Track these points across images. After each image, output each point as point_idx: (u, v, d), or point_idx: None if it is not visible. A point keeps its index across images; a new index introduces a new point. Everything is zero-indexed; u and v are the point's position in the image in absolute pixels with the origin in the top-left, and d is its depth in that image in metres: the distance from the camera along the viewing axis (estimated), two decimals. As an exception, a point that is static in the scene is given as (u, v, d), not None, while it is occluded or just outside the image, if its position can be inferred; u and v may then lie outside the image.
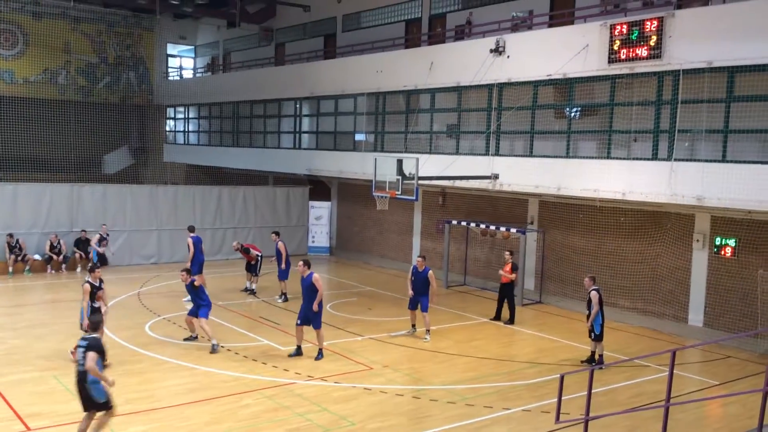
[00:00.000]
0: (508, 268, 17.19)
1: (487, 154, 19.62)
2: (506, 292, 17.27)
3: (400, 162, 17.76)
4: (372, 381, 12.31)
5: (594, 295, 13.52)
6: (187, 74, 39.51)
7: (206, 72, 38.16)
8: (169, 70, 39.31)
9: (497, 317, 17.40)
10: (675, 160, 15.25)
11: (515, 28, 20.36)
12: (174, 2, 30.56)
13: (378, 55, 24.01)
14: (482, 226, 20.56)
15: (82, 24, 34.89)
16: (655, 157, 15.78)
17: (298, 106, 28.05)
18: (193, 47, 39.32)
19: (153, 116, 37.89)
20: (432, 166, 19.42)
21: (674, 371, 8.14)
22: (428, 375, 12.81)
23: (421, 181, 17.91)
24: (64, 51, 34.59)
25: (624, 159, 16.62)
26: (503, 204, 21.16)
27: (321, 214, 27.54)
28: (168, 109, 37.96)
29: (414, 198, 18.33)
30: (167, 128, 38.36)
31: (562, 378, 9.57)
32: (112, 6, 33.84)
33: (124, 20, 36.11)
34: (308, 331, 13.77)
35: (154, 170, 36.69)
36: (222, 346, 13.91)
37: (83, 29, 35.11)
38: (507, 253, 17.61)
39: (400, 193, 17.72)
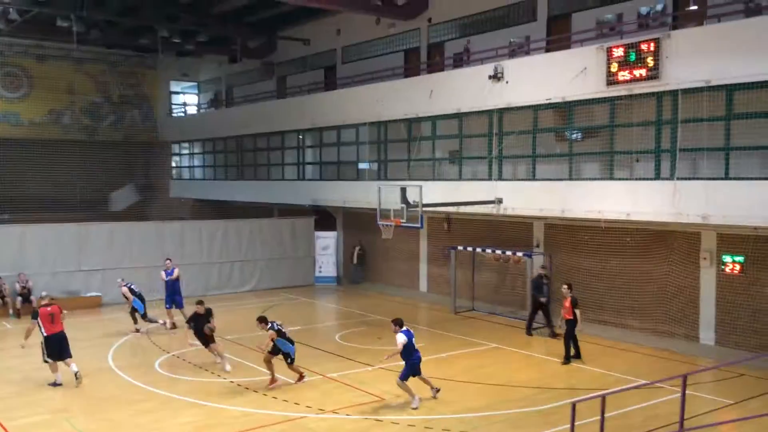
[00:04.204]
0: (567, 303, 15.79)
1: (490, 178, 19.70)
2: (570, 330, 15.68)
3: (403, 190, 17.82)
4: (383, 412, 12.24)
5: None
6: (191, 110, 39.91)
7: (210, 107, 38.55)
8: (173, 106, 39.72)
9: (574, 356, 15.69)
10: (678, 179, 15.29)
11: (513, 54, 20.57)
12: (175, 41, 30.97)
13: (378, 84, 24.25)
14: (488, 251, 20.53)
15: (85, 65, 35.38)
16: (658, 176, 15.83)
17: (300, 137, 28.27)
18: (196, 83, 39.76)
19: (158, 153, 38.22)
20: (436, 192, 19.50)
21: (687, 391, 8.10)
22: (439, 404, 12.72)
23: (425, 208, 17.94)
24: (68, 92, 35.04)
25: (627, 179, 16.67)
26: (508, 228, 21.18)
27: (327, 244, 27.58)
28: (173, 145, 38.31)
29: (419, 226, 18.36)
30: (173, 164, 38.68)
31: (573, 406, 9.52)
32: (115, 47, 34.29)
33: (127, 60, 36.60)
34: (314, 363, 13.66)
35: (160, 207, 36.86)
36: (232, 382, 13.88)
37: (87, 70, 35.60)
38: (565, 287, 16.13)
39: (404, 221, 17.77)
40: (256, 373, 14.60)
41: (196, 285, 23.77)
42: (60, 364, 13.77)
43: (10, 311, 20.99)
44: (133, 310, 18.45)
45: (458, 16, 23.71)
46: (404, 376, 12.58)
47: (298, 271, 26.83)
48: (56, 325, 13.73)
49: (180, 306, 19.20)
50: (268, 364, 13.65)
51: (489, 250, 20.55)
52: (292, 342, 13.85)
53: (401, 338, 12.63)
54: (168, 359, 16.08)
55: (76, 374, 13.71)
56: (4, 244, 21.70)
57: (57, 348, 13.70)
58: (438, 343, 17.41)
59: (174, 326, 18.87)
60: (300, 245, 27.17)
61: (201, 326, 14.80)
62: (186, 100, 40.42)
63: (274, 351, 13.58)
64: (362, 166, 25.10)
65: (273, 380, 13.61)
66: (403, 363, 12.70)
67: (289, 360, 13.75)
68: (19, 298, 21.15)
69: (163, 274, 19.48)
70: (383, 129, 23.74)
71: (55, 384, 13.70)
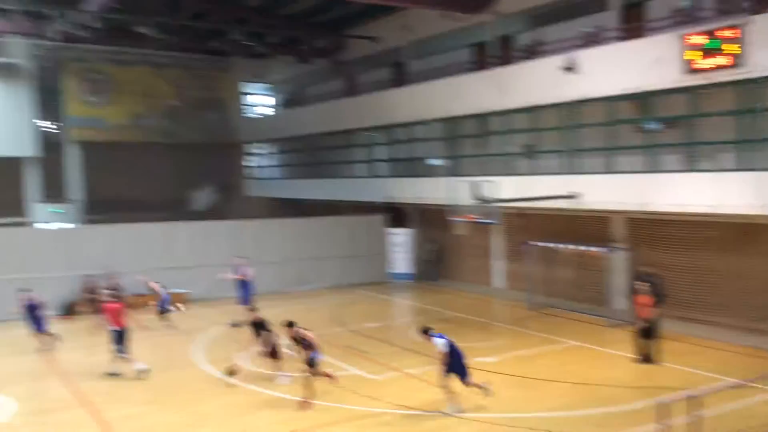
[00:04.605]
0: (644, 299, 15.11)
1: (565, 172, 19.40)
2: (647, 328, 15.07)
3: (476, 185, 17.76)
4: (464, 410, 12.27)
5: None
6: (265, 111, 40.77)
7: (282, 108, 39.29)
8: (247, 108, 40.66)
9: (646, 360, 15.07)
10: (765, 169, 14.70)
11: (585, 44, 20.17)
12: (247, 43, 31.69)
13: (448, 80, 24.19)
14: (566, 246, 20.22)
15: (163, 69, 36.58)
16: (744, 167, 15.25)
17: (372, 135, 28.50)
18: (268, 85, 40.57)
19: (234, 153, 39.24)
20: (509, 187, 19.35)
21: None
22: (522, 403, 12.64)
23: (498, 204, 17.85)
24: (148, 96, 36.29)
25: (711, 171, 16.14)
26: (585, 223, 20.79)
27: (401, 240, 27.73)
28: (248, 145, 39.27)
29: (494, 221, 18.26)
30: (248, 164, 39.65)
31: (660, 407, 9.34)
32: (190, 51, 35.34)
33: (201, 63, 37.61)
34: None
35: (238, 206, 37.84)
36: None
37: (165, 74, 36.80)
38: (641, 282, 15.37)
39: (478, 216, 17.71)
40: (336, 368, 14.88)
41: (273, 282, 24.37)
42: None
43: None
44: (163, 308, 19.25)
45: (527, 7, 23.37)
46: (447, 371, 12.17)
47: (371, 269, 27.08)
48: (123, 320, 14.84)
49: (246, 303, 19.59)
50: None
51: (566, 246, 20.23)
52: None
53: (441, 343, 12.20)
54: (254, 354, 16.50)
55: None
56: (93, 245, 22.73)
57: (125, 341, 14.81)
58: (518, 340, 17.31)
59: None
60: (373, 242, 27.42)
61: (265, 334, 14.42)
62: (260, 101, 41.31)
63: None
64: (433, 162, 25.12)
65: None
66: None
67: (313, 367, 12.67)
68: (107, 297, 22.12)
69: (235, 272, 19.91)
70: (455, 124, 23.68)
71: (140, 370, 14.55)
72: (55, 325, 18.23)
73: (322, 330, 18.32)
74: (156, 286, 19.91)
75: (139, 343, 15.59)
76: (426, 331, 12.61)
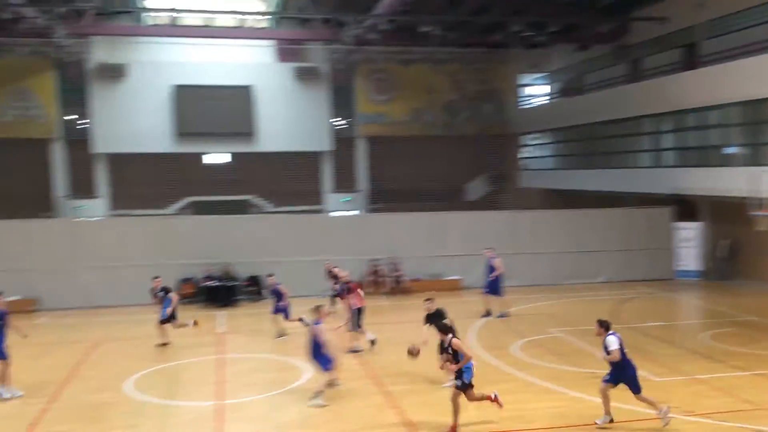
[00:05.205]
0: None
1: None
2: None
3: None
4: (762, 422, 10.91)
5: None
6: (540, 101, 40.30)
7: (558, 96, 38.47)
8: (523, 98, 40.54)
9: None
10: None
11: None
12: (526, 34, 31.49)
13: (749, 60, 21.62)
14: None
15: (443, 65, 37.97)
16: None
17: (658, 122, 26.60)
18: (545, 74, 39.99)
19: (508, 144, 39.41)
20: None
21: None
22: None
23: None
24: (428, 91, 37.96)
25: None
26: None
27: (689, 235, 25.50)
28: (522, 136, 39.14)
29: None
30: (522, 155, 39.55)
31: None
32: (469, 45, 36.15)
33: (479, 57, 38.29)
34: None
35: (511, 196, 37.99)
36: (593, 372, 13.65)
37: (444, 70, 38.16)
38: None
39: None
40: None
41: (547, 274, 24.03)
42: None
43: (385, 290, 23.69)
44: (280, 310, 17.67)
45: None
46: (611, 380, 11.05)
47: (655, 264, 25.32)
48: (362, 300, 16.17)
49: (497, 293, 19.49)
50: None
51: None
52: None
53: (614, 342, 10.96)
54: (526, 343, 16.46)
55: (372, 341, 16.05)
56: (377, 231, 24.41)
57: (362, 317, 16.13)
58: None
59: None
60: (657, 236, 25.58)
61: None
62: (534, 91, 40.92)
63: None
64: (731, 150, 22.67)
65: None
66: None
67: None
68: (390, 280, 23.73)
69: (487, 263, 19.82)
70: (756, 108, 21.10)
71: (372, 341, 16.01)
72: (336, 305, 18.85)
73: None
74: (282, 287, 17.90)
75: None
76: (605, 325, 11.37)
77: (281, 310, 17.56)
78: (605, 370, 11.45)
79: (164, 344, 16.71)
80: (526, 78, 40.49)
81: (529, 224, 25.17)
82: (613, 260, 25.08)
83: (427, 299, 14.10)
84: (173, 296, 16.93)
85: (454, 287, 23.82)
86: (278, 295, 17.59)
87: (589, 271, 25.00)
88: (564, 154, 35.79)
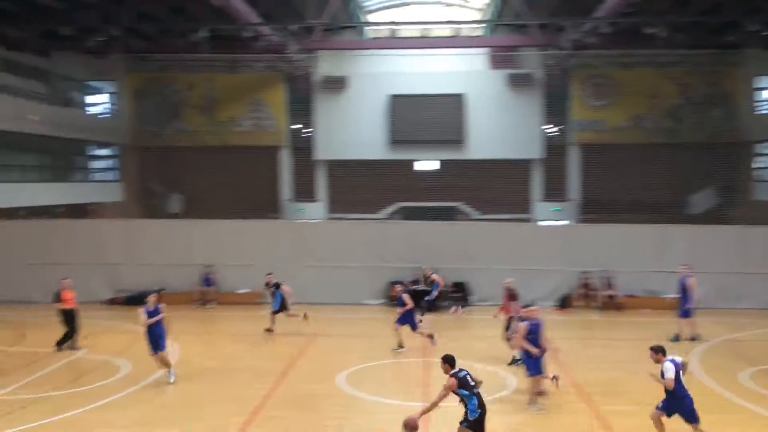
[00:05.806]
0: None
1: None
2: None
3: None
4: None
5: None
6: (780, 106, 36.19)
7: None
8: (759, 103, 36.69)
9: None
10: None
11: None
12: (763, 34, 28.47)
13: None
14: None
15: (667, 68, 35.57)
16: None
17: None
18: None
19: (741, 153, 35.84)
20: None
21: None
22: None
23: None
24: (650, 96, 35.77)
25: None
26: None
27: None
28: (757, 144, 35.42)
29: None
30: (757, 165, 35.77)
31: None
32: (698, 47, 33.56)
33: (709, 59, 35.42)
34: None
35: (742, 210, 34.49)
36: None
37: (669, 73, 35.73)
38: None
39: None
40: None
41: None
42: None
43: (597, 305, 22.71)
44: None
45: None
46: (664, 408, 10.46)
47: None
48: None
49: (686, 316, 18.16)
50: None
51: None
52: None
53: (670, 369, 10.26)
54: (757, 372, 14.89)
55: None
56: (588, 242, 23.40)
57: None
58: None
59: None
60: None
61: None
62: (773, 95, 36.85)
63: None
64: None
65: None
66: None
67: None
68: (602, 294, 22.69)
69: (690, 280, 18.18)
70: None
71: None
72: (550, 316, 18.87)
73: None
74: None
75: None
76: (661, 350, 10.58)
77: (408, 321, 17.00)
78: None
79: (270, 330, 18.81)
80: (764, 81, 36.61)
81: (763, 241, 22.73)
82: None
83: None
84: (285, 289, 18.97)
85: (673, 306, 22.10)
86: (403, 304, 16.92)
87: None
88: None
